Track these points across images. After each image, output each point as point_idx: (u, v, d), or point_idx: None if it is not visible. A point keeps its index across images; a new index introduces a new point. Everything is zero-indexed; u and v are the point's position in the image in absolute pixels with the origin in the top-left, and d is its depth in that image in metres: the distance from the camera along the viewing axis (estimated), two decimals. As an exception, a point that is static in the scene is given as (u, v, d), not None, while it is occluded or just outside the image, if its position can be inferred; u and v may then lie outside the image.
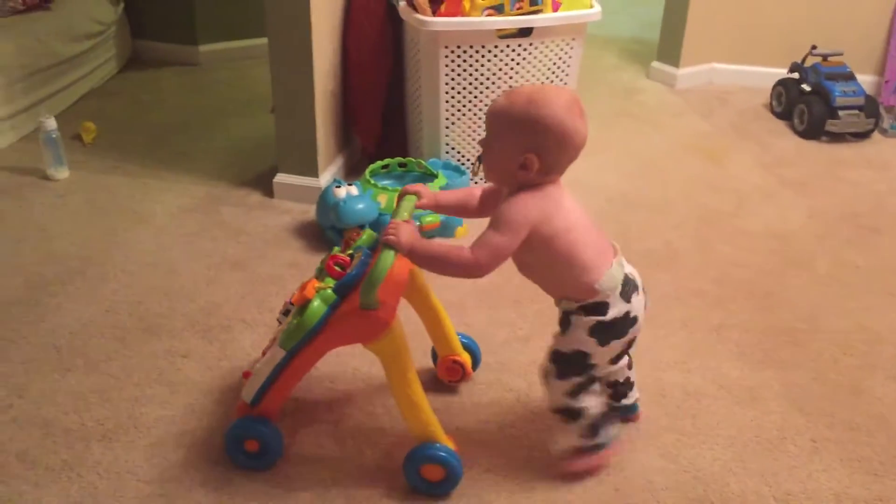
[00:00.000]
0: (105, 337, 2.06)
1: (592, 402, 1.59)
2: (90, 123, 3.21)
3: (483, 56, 2.57)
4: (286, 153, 2.74)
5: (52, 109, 3.22)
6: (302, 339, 1.55)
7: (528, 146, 1.43)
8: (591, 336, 1.52)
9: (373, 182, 2.55)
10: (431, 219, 2.50)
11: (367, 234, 1.75)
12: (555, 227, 1.46)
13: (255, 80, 3.84)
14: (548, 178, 1.48)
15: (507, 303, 2.23)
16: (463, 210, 1.68)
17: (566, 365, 1.56)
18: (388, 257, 1.45)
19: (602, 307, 1.50)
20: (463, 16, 2.52)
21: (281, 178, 2.76)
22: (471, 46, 2.54)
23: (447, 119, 2.67)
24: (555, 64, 2.66)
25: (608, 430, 1.63)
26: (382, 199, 2.50)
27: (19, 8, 3.31)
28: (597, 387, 1.60)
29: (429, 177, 2.66)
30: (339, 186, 2.46)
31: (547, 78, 2.67)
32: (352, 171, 2.92)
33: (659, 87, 3.96)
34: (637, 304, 1.53)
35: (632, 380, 1.75)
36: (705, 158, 3.19)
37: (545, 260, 1.50)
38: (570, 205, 1.50)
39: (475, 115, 2.67)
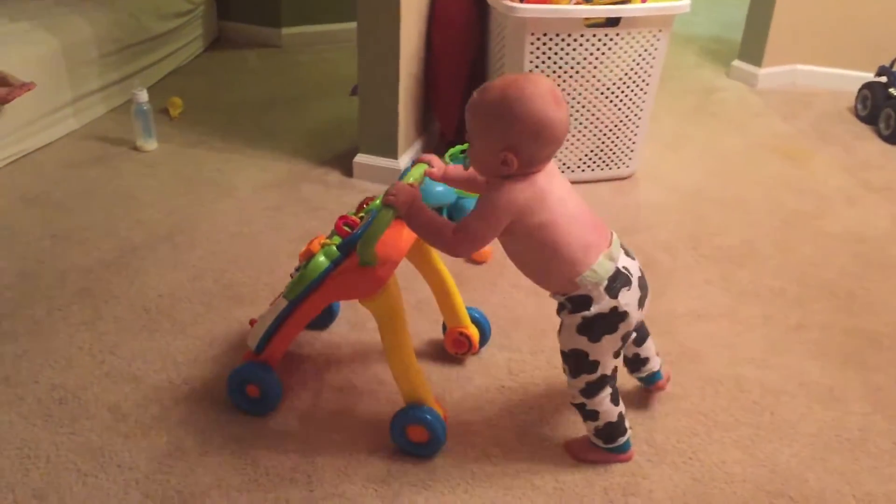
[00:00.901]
0: (191, 301, 2.13)
1: (608, 408, 1.60)
2: (177, 99, 3.31)
3: (569, 45, 2.57)
4: (367, 134, 2.78)
5: (140, 85, 3.32)
6: (304, 290, 1.62)
7: (505, 143, 1.41)
8: (580, 334, 1.51)
9: (452, 165, 2.57)
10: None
11: (379, 199, 1.78)
12: (538, 219, 1.45)
13: (334, 63, 3.90)
14: (532, 168, 1.46)
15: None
16: (471, 185, 1.70)
17: (571, 363, 1.56)
18: (386, 215, 1.48)
19: (585, 301, 1.49)
20: (551, 3, 2.52)
21: (361, 158, 2.81)
22: (557, 34, 2.55)
23: (529, 107, 2.68)
24: (640, 56, 2.65)
25: (624, 436, 1.64)
26: (462, 183, 2.52)
27: (116, -16, 3.44)
28: (613, 392, 1.60)
29: (507, 163, 2.67)
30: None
31: (631, 69, 2.66)
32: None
33: (739, 86, 3.91)
34: (627, 300, 1.49)
35: (643, 356, 1.75)
36: (786, 159, 3.14)
37: (529, 251, 1.50)
38: (558, 194, 1.47)
39: (557, 103, 2.67)
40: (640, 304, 1.54)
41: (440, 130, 3.04)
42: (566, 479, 1.62)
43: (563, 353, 1.57)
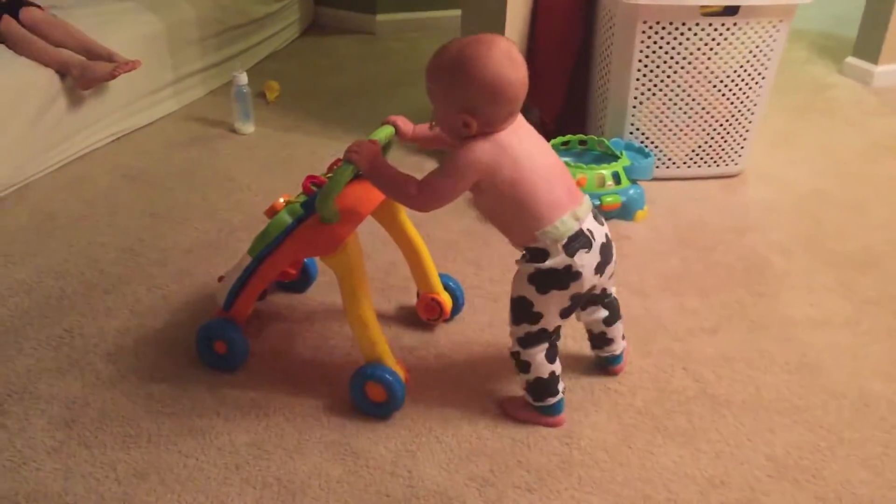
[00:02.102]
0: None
1: (541, 362, 1.61)
2: (274, 83, 3.31)
3: (682, 34, 2.45)
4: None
5: (236, 67, 3.33)
6: (267, 246, 1.66)
7: (462, 105, 1.43)
8: (530, 283, 1.52)
9: (555, 157, 2.49)
10: (612, 199, 2.42)
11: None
12: (504, 175, 1.46)
13: (427, 51, 3.82)
14: (492, 128, 1.46)
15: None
16: (439, 143, 1.69)
17: (516, 310, 1.58)
18: (344, 171, 1.51)
19: (542, 254, 1.50)
20: (665, -9, 2.41)
21: (458, 147, 2.75)
22: (670, 23, 2.43)
23: (635, 98, 2.58)
24: (757, 47, 2.51)
25: (554, 398, 1.65)
26: (564, 175, 2.44)
27: (219, -33, 3.45)
28: (550, 349, 1.61)
29: (609, 157, 2.58)
30: (522, 158, 2.42)
31: (747, 61, 2.53)
32: (527, 147, 2.87)
33: (853, 83, 3.70)
34: (583, 261, 1.50)
35: (609, 336, 1.75)
36: (906, 161, 2.95)
37: (496, 205, 1.52)
38: (525, 148, 1.48)
39: (666, 95, 2.56)
40: (599, 270, 1.54)
41: (539, 119, 2.95)
42: (663, 496, 1.53)
43: (511, 299, 1.59)
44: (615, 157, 2.54)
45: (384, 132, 1.65)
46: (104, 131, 2.82)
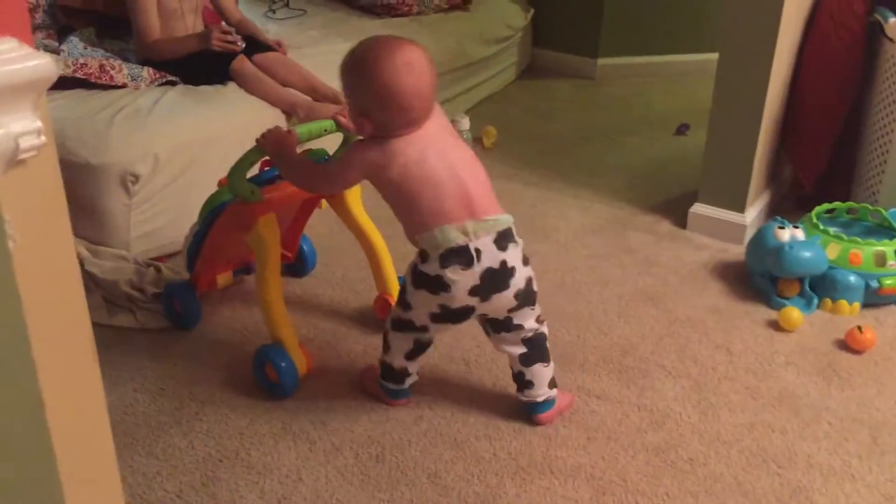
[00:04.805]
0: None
1: (396, 350, 1.66)
2: (492, 128, 3.15)
3: None
4: (711, 181, 2.42)
5: (455, 111, 3.21)
6: (208, 214, 1.84)
7: (359, 107, 1.50)
8: (409, 273, 1.57)
9: (822, 227, 2.14)
10: (893, 282, 2.04)
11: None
12: (390, 176, 1.51)
13: (652, 97, 3.57)
14: (389, 132, 1.50)
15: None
16: None
17: (399, 293, 1.64)
18: (251, 153, 1.71)
19: (423, 255, 1.53)
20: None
21: (699, 208, 2.45)
22: (979, 76, 2.04)
23: (923, 163, 2.18)
24: None
25: (397, 386, 1.71)
26: (833, 251, 2.08)
27: (443, 7, 3.36)
28: (412, 349, 1.66)
29: (886, 230, 2.19)
30: (783, 228, 2.09)
31: None
32: (776, 210, 2.52)
33: None
34: (456, 277, 1.49)
35: (527, 377, 1.65)
36: None
37: (387, 199, 1.57)
38: (420, 157, 1.49)
39: (964, 161, 2.15)
40: (480, 294, 1.51)
41: (794, 179, 2.60)
42: None
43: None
44: (894, 231, 2.16)
45: (317, 125, 1.75)
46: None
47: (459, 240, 1.48)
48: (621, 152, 3.04)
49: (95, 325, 1.96)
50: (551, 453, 1.62)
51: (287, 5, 3.35)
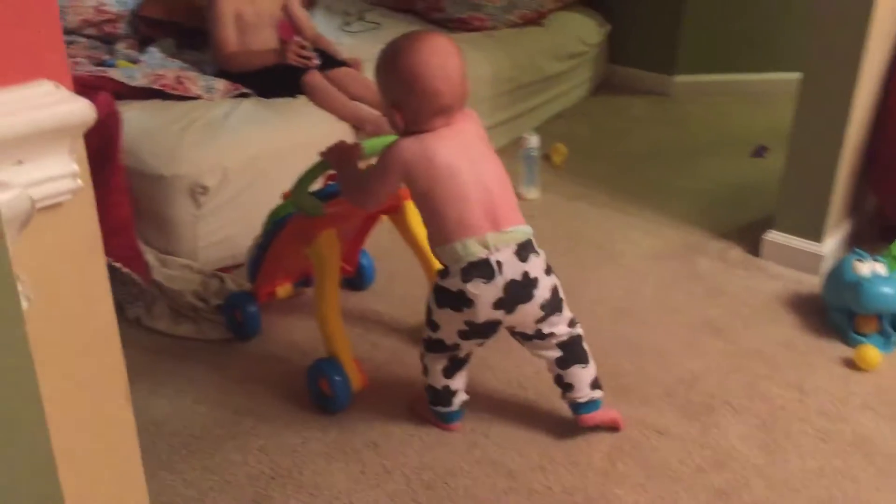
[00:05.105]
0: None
1: (435, 371, 1.64)
2: (561, 145, 3.10)
3: None
4: (787, 207, 2.32)
5: (524, 127, 3.17)
6: (271, 226, 1.85)
7: (390, 98, 1.50)
8: (433, 293, 1.56)
9: (906, 262, 2.03)
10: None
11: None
12: (420, 185, 1.50)
13: (731, 117, 3.47)
14: (419, 126, 1.50)
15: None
16: None
17: (426, 314, 1.61)
18: (315, 166, 1.71)
19: (444, 271, 1.52)
20: None
21: (774, 235, 2.35)
22: None
23: None
24: None
25: (446, 408, 1.67)
26: (917, 287, 1.98)
27: (517, 22, 3.32)
28: (449, 365, 1.63)
29: (978, 267, 2.07)
30: (863, 261, 1.99)
31: None
32: (856, 241, 2.40)
33: None
34: (479, 291, 1.47)
35: (566, 380, 1.64)
36: None
37: (418, 209, 1.56)
38: (451, 161, 1.48)
39: None
40: (504, 307, 1.50)
41: (877, 210, 2.48)
42: None
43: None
44: None
45: (382, 141, 1.68)
46: (389, 187, 2.76)
47: (480, 253, 1.48)
48: (695, 174, 2.95)
49: (159, 333, 2.03)
50: (608, 490, 1.57)
51: (362, 19, 3.37)
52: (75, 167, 0.69)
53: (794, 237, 2.32)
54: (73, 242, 0.73)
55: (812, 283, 2.24)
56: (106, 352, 0.82)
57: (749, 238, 2.45)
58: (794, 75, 2.29)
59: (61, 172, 0.67)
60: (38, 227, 0.64)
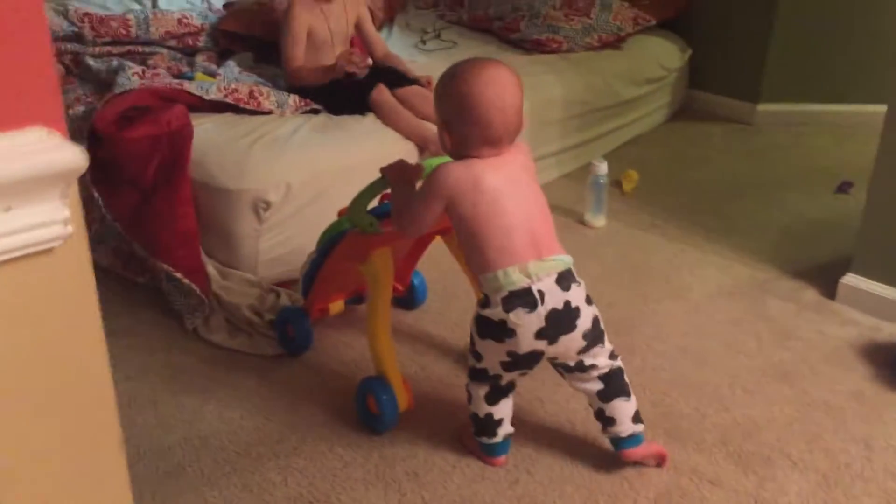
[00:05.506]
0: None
1: (478, 399, 1.62)
2: (633, 172, 3.03)
3: None
4: (867, 249, 2.20)
5: (596, 152, 3.11)
6: (326, 243, 1.85)
7: (441, 117, 1.52)
8: (474, 323, 1.55)
9: None
10: None
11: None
12: (462, 210, 1.49)
13: (816, 150, 3.33)
14: (467, 151, 1.50)
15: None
16: None
17: (470, 345, 1.59)
18: (374, 183, 1.70)
19: (486, 300, 1.51)
20: None
21: (851, 279, 2.24)
22: None
23: None
24: None
25: (490, 439, 1.64)
26: None
27: (594, 45, 3.27)
28: (491, 392, 1.61)
29: None
30: (946, 313, 1.87)
31: None
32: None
33: None
34: (521, 321, 1.46)
35: (608, 414, 1.60)
36: None
37: (459, 237, 1.55)
38: (497, 188, 1.48)
39: None
40: (546, 336, 1.49)
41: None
42: None
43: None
44: None
45: (444, 161, 1.64)
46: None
47: (522, 282, 1.46)
48: (772, 208, 2.84)
49: (214, 345, 2.05)
50: (650, 540, 1.51)
51: (438, 37, 3.38)
52: (67, 213, 0.69)
53: (873, 281, 2.20)
54: (64, 287, 0.72)
55: (890, 331, 2.12)
56: (99, 403, 0.80)
57: (824, 279, 2.33)
58: (883, 108, 2.18)
59: (52, 219, 0.67)
60: (27, 271, 0.64)
